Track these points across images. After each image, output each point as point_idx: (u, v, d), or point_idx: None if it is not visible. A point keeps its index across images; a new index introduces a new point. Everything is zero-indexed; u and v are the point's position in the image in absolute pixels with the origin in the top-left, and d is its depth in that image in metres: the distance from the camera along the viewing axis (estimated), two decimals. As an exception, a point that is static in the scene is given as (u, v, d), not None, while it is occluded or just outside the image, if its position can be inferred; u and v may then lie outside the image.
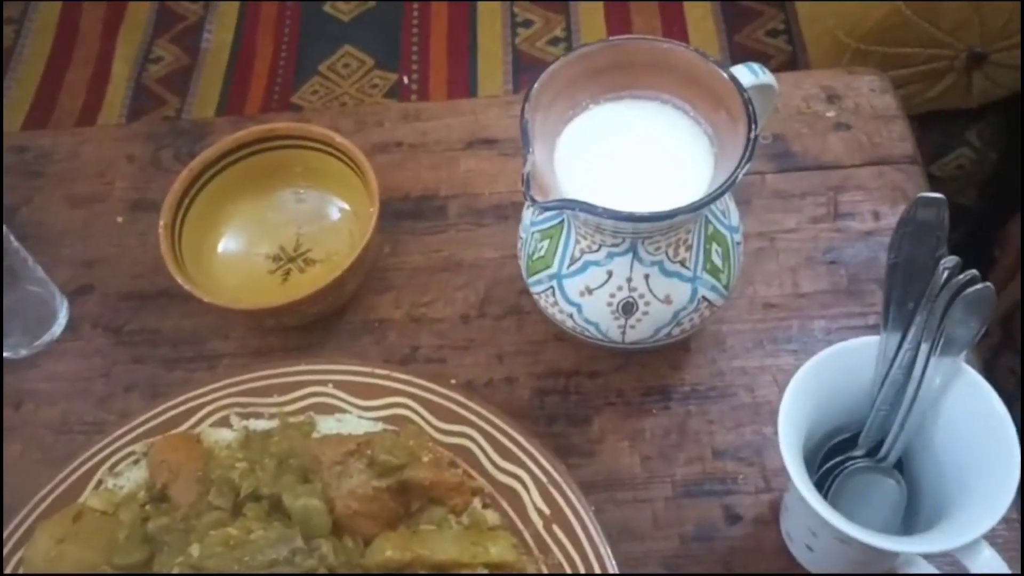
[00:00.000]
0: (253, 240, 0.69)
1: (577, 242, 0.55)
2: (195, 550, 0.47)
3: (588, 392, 0.62)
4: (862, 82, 0.75)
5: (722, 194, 0.50)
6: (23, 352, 0.67)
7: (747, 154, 0.50)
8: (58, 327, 0.68)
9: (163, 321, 0.68)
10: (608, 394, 0.62)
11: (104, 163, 0.77)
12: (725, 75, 0.53)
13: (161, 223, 0.64)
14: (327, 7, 1.26)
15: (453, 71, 1.16)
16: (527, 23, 1.18)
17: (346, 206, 0.69)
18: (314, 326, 0.66)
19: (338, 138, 0.65)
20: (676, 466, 0.59)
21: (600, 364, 0.63)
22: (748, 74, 0.55)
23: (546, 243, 0.57)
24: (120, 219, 0.73)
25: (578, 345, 0.63)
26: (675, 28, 1.10)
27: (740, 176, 0.49)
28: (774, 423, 0.60)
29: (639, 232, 0.52)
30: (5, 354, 0.67)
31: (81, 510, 0.52)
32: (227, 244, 0.68)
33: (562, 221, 0.56)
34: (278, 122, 0.68)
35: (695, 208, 0.49)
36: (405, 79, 1.13)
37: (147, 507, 0.52)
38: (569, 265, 0.55)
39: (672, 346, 0.62)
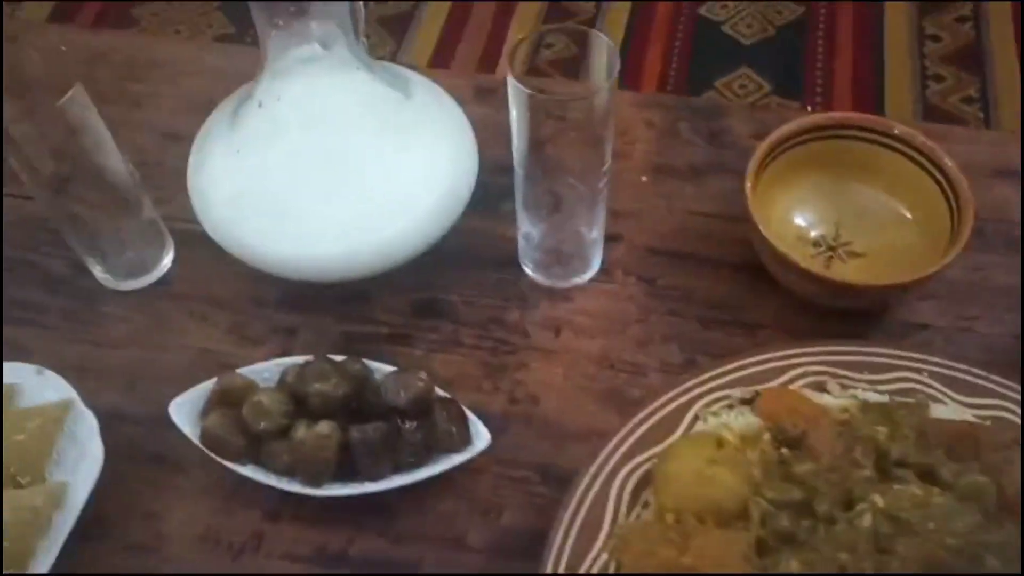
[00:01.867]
0: (800, 221, 0.70)
1: None
2: (878, 499, 0.47)
3: None
4: None
5: None
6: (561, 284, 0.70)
7: None
8: (591, 268, 0.70)
9: (696, 281, 0.69)
10: None
11: (623, 124, 0.79)
12: None
13: (748, 185, 0.65)
14: (727, 27, 1.29)
15: (858, 109, 1.17)
16: (937, 78, 1.18)
17: (905, 211, 0.69)
18: (852, 315, 0.66)
19: (925, 141, 0.66)
20: None
21: None
22: None
23: None
24: (644, 178, 0.75)
25: None
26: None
27: None
28: None
29: None
30: (547, 281, 0.69)
31: (720, 438, 0.53)
32: (777, 220, 0.69)
33: None
34: (850, 112, 0.69)
35: None
36: (808, 108, 1.16)
37: (782, 450, 0.53)
38: None
39: None
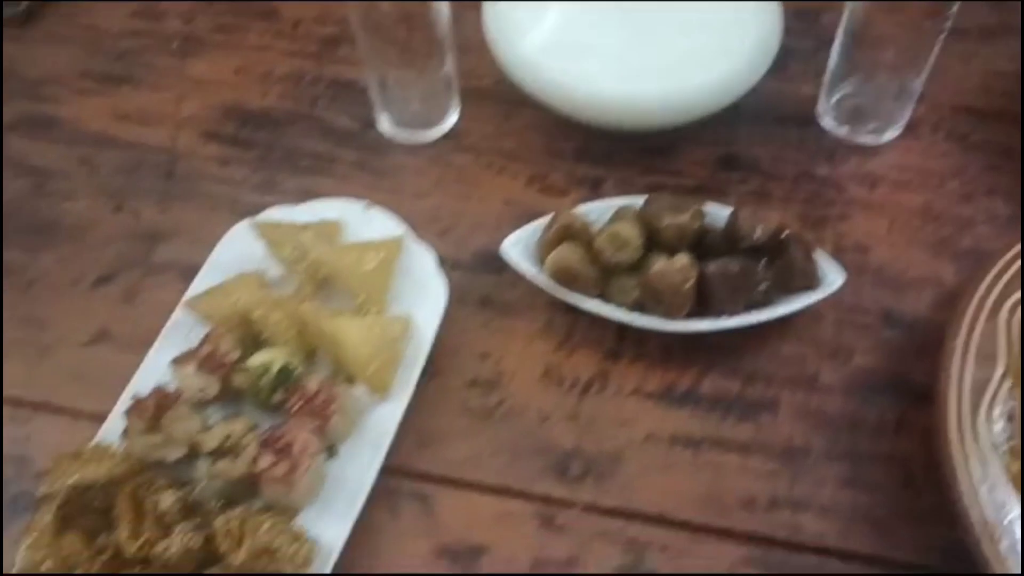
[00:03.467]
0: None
1: None
2: None
3: None
4: None
5: None
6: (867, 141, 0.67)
7: None
8: (897, 126, 0.68)
9: (1011, 139, 0.67)
10: None
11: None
12: None
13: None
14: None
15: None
16: None
17: None
18: None
19: None
20: None
21: None
22: None
23: None
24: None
25: None
26: None
27: None
28: None
29: None
30: (852, 138, 0.67)
31: None
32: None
33: None
34: None
35: None
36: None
37: None
38: None
39: None
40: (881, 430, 0.55)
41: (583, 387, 0.57)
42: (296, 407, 0.51)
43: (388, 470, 0.53)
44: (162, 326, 0.57)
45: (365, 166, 0.68)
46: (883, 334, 0.59)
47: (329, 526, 0.50)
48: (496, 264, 0.61)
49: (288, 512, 0.50)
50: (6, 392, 0.57)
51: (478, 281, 0.61)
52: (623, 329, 0.58)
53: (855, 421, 0.55)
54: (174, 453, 0.51)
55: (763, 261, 0.57)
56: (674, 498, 0.53)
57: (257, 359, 0.53)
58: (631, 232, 0.56)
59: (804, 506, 0.52)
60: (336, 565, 0.49)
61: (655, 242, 0.57)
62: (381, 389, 0.53)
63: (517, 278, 0.60)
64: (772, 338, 0.58)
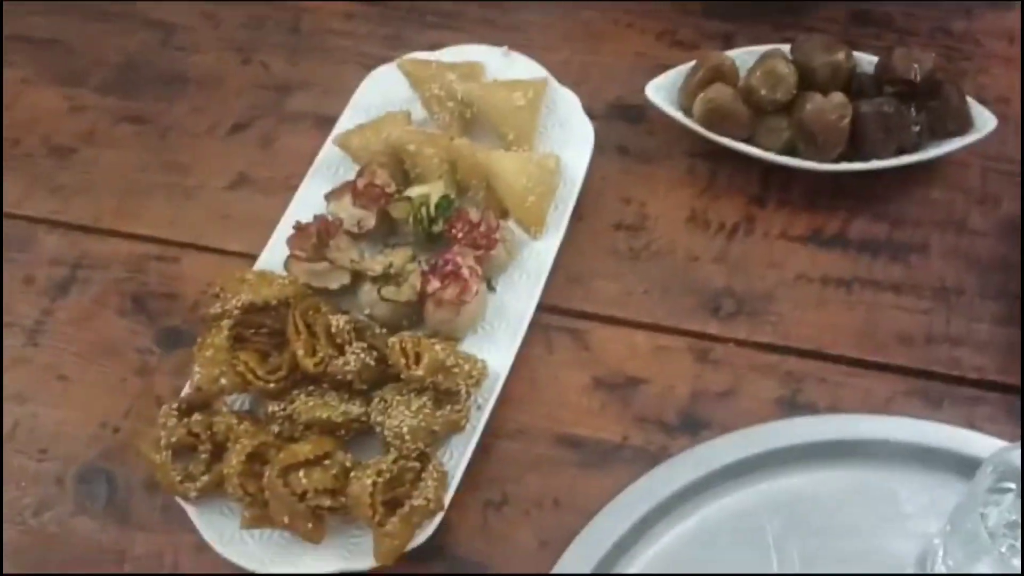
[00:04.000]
0: None
1: None
2: None
3: None
4: None
5: None
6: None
7: None
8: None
9: None
10: None
11: None
12: None
13: None
14: None
15: None
16: None
17: None
18: None
19: None
20: None
21: None
22: None
23: None
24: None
25: None
26: None
27: None
28: None
29: None
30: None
31: None
32: None
33: None
34: None
35: None
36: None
37: None
38: None
39: None
40: (1034, 272, 0.55)
41: (729, 231, 0.57)
42: (460, 234, 0.51)
43: (541, 306, 0.53)
44: (301, 171, 0.57)
45: (492, 22, 0.67)
46: (1030, 181, 0.58)
47: (491, 354, 0.50)
48: (632, 113, 0.61)
49: (452, 340, 0.50)
50: (154, 233, 0.58)
51: (615, 130, 0.61)
52: (767, 175, 0.58)
53: (1007, 263, 0.55)
54: (338, 280, 0.51)
55: (914, 104, 0.56)
56: (829, 333, 0.53)
57: (416, 190, 0.53)
58: (786, 69, 0.55)
59: (961, 342, 0.52)
60: (500, 391, 0.49)
61: (807, 82, 0.56)
62: (536, 223, 0.53)
63: (655, 126, 0.60)
64: (918, 184, 0.58)
